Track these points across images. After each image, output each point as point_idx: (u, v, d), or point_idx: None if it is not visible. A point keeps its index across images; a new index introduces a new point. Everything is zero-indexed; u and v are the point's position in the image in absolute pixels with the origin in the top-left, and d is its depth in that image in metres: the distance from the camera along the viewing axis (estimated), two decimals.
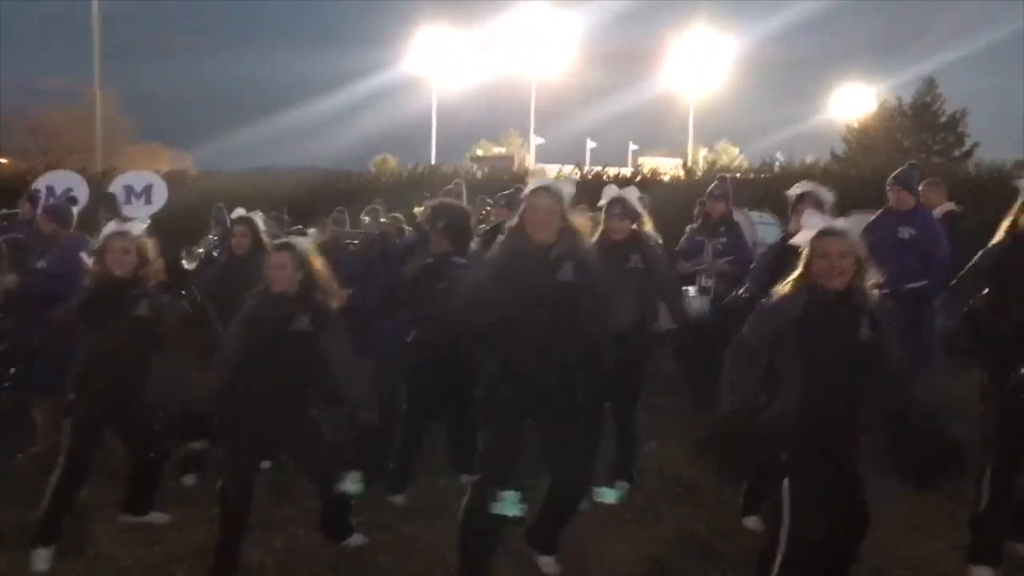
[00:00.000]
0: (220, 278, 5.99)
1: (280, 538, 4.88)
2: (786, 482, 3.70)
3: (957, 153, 26.81)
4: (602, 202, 5.50)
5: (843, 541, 3.81)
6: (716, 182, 7.51)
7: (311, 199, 12.91)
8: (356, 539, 4.84)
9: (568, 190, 4.27)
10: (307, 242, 4.77)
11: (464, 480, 5.51)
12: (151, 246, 4.97)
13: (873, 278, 3.79)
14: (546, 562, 4.46)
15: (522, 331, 4.09)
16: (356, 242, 7.96)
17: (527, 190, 4.32)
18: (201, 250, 8.39)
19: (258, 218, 6.24)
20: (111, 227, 4.88)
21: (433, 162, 29.84)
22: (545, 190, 4.24)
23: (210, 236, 8.63)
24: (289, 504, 5.28)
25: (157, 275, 4.98)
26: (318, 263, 4.66)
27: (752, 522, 4.98)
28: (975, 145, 28.02)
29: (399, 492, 5.55)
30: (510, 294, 4.09)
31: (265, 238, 6.00)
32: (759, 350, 3.82)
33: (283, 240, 4.77)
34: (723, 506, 5.15)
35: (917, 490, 4.17)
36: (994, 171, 11.20)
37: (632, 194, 5.69)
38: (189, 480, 5.73)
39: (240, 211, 6.32)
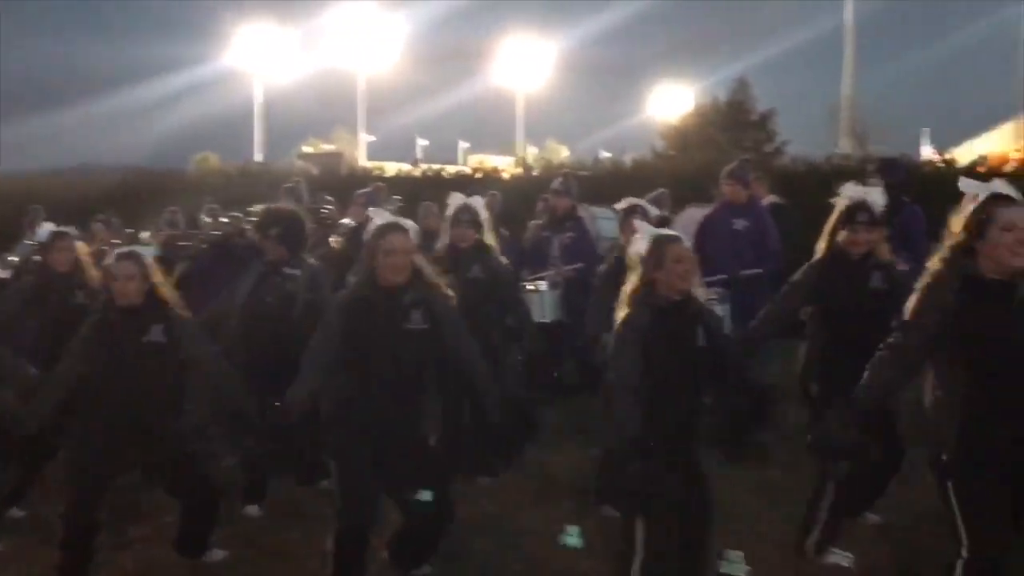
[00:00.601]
0: (35, 298, 5.45)
1: (132, 558, 4.63)
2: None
3: (768, 150, 28.53)
4: (449, 210, 5.48)
5: (693, 535, 3.93)
6: (560, 178, 7.68)
7: (133, 200, 12.24)
8: (215, 554, 4.63)
9: (412, 226, 4.20)
10: (150, 251, 4.57)
11: (322, 486, 5.40)
12: None
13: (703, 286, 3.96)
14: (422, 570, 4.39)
15: (368, 378, 4.02)
16: (190, 244, 7.65)
17: (375, 227, 4.13)
18: (16, 258, 7.84)
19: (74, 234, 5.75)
20: None
21: (258, 159, 28.90)
22: (399, 229, 4.09)
23: (26, 242, 8.04)
24: (140, 520, 5.00)
25: None
26: (159, 275, 4.48)
27: (610, 511, 5.12)
28: (784, 143, 30.00)
29: (254, 502, 5.35)
30: (356, 343, 4.01)
31: (83, 255, 5.56)
32: (634, 382, 3.73)
33: (127, 249, 4.49)
34: (584, 496, 5.27)
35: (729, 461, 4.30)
36: (808, 164, 12.02)
37: (478, 202, 5.73)
38: (17, 513, 5.30)
39: (51, 226, 5.77)
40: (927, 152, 20.30)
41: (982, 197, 3.30)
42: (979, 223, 3.25)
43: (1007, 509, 3.36)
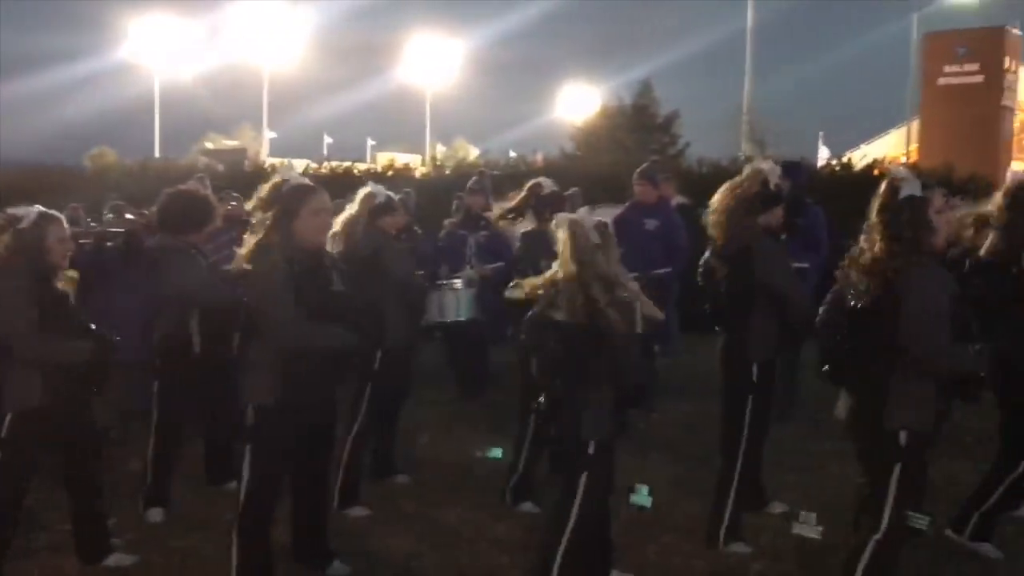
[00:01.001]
0: None
1: (35, 567, 4.44)
2: (584, 475, 3.85)
3: (672, 152, 29.12)
4: (380, 199, 5.45)
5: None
6: (476, 177, 7.70)
7: (26, 197, 11.69)
8: (120, 558, 4.49)
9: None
10: None
11: (230, 487, 5.29)
12: None
13: None
14: (335, 567, 4.36)
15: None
16: (91, 241, 7.38)
17: (292, 188, 3.98)
18: None
19: None
20: None
21: (157, 155, 28.14)
22: (319, 189, 4.02)
23: None
24: (41, 530, 4.80)
25: None
26: None
27: (527, 507, 5.18)
28: (687, 144, 30.68)
29: (157, 505, 5.19)
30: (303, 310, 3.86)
31: None
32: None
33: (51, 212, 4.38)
34: (499, 493, 5.31)
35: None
36: (714, 166, 12.35)
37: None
38: None
39: None
40: (824, 155, 21.03)
41: (910, 189, 3.53)
42: (920, 210, 3.49)
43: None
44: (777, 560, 4.54)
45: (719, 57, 44.02)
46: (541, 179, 5.74)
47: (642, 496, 4.22)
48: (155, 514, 5.14)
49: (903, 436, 3.52)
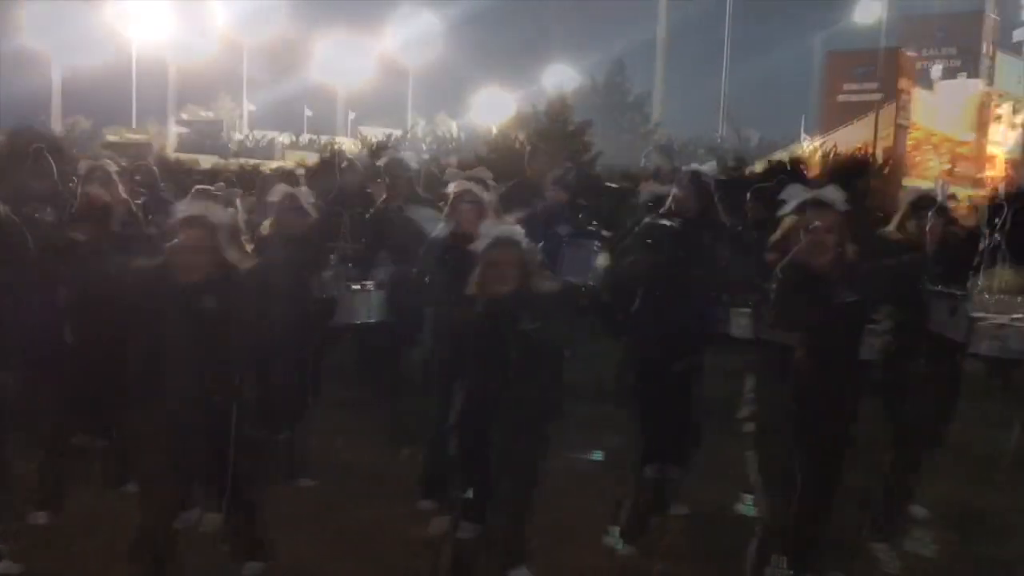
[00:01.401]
0: None
1: None
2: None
3: (585, 159, 29.43)
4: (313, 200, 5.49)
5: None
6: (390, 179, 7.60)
7: None
8: (7, 566, 4.33)
9: (224, 219, 4.04)
10: None
11: (127, 489, 5.13)
12: None
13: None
14: (250, 567, 4.31)
15: (163, 363, 3.87)
16: None
17: (176, 217, 3.94)
18: None
19: None
20: None
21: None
22: (195, 223, 3.89)
23: None
24: None
25: None
26: None
27: (426, 505, 5.17)
28: (598, 153, 31.07)
29: (43, 509, 4.99)
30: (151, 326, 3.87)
31: None
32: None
33: None
34: (410, 494, 5.28)
35: None
36: (625, 174, 12.53)
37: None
38: None
39: None
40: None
41: (796, 203, 3.84)
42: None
43: None
44: (679, 562, 4.63)
45: (631, 69, 44.92)
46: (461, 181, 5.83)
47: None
48: (43, 518, 4.95)
49: (750, 426, 3.85)
